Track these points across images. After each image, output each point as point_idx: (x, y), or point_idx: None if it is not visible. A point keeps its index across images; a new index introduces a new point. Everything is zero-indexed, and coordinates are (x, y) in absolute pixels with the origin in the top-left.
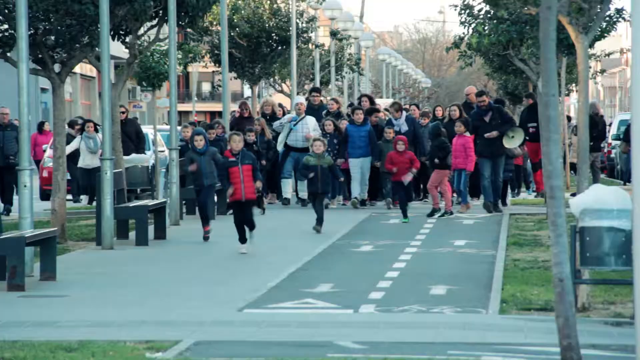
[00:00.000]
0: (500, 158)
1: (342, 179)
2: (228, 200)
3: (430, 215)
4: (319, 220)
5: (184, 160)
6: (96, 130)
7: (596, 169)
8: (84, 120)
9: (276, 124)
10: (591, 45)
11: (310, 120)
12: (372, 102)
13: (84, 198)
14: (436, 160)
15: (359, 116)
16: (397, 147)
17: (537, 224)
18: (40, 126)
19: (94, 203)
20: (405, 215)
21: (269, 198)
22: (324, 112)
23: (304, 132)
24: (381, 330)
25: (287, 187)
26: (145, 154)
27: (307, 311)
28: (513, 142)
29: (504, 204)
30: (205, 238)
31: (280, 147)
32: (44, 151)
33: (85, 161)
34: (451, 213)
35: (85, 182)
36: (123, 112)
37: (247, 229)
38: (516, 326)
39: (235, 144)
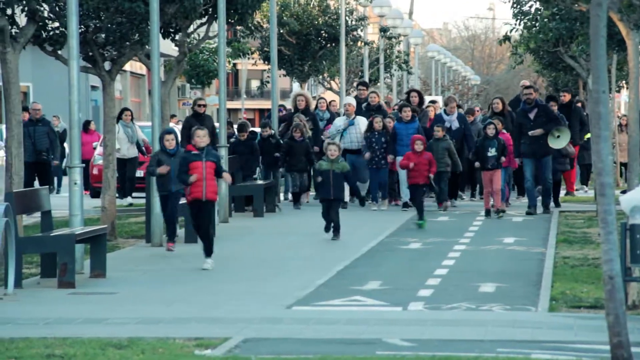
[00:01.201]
0: (545, 158)
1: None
2: (187, 199)
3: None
4: (336, 229)
5: (151, 161)
6: (132, 120)
7: None
8: (122, 109)
9: (332, 130)
10: None
11: (362, 121)
12: (421, 97)
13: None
14: (503, 159)
15: (407, 114)
16: (415, 147)
17: (587, 221)
18: (86, 125)
19: (130, 199)
20: (421, 217)
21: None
22: (364, 104)
23: (358, 133)
24: (430, 328)
25: (362, 190)
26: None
27: (355, 309)
28: (558, 142)
29: (557, 204)
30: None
31: None
32: (94, 148)
33: (122, 151)
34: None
35: (123, 174)
36: (204, 105)
37: (204, 248)
38: (566, 324)
39: (200, 139)
